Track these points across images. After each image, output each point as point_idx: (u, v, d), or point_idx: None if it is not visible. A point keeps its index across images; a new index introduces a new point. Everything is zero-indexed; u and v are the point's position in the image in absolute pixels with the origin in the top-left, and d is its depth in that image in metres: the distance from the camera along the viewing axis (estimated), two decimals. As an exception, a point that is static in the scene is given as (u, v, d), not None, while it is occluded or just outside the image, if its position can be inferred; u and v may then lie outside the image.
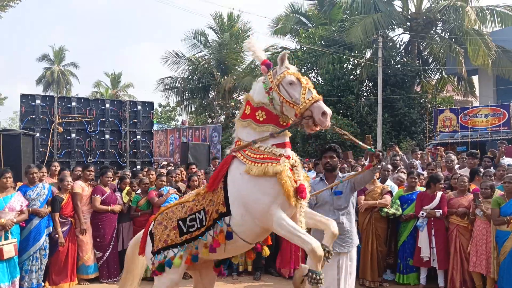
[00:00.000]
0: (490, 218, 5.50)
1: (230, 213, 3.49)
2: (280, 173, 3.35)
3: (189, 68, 23.88)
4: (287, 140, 3.66)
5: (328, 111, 3.35)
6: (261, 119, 3.56)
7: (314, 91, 3.44)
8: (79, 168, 7.11)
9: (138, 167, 10.66)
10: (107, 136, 11.02)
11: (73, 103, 10.96)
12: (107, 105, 11.26)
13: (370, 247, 6.29)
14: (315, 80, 20.52)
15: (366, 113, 18.17)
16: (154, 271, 3.83)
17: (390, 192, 6.40)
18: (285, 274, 6.71)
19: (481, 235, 5.66)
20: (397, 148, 10.21)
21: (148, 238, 3.96)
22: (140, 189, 7.12)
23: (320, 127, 3.39)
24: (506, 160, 8.13)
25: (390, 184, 6.66)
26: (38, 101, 10.66)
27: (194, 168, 8.76)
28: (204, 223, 3.61)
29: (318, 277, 3.25)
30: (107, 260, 6.67)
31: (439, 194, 6.16)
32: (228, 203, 3.49)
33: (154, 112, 12.73)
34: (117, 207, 6.82)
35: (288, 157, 3.52)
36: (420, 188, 6.55)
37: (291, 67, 3.58)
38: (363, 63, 19.09)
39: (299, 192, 3.42)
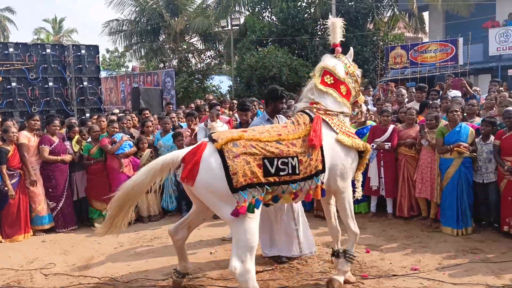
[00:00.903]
0: (435, 147, 5.80)
1: (324, 171, 3.81)
2: (368, 149, 4.08)
3: (136, 9, 22.53)
4: None
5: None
6: (344, 93, 4.12)
7: None
8: (10, 123, 6.57)
9: (87, 115, 10.23)
10: (50, 84, 10.36)
11: (11, 49, 10.10)
12: (48, 50, 10.47)
13: (324, 180, 6.54)
14: (269, 19, 20.03)
15: (320, 52, 18.11)
16: (238, 209, 3.40)
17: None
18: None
19: (426, 163, 5.98)
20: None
21: (220, 170, 3.43)
22: (90, 137, 6.88)
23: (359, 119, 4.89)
24: (452, 93, 8.47)
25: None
26: (-30, 49, 9.79)
27: (147, 114, 8.55)
28: (297, 172, 3.62)
29: (354, 256, 4.19)
30: (62, 210, 6.55)
31: (391, 127, 6.39)
32: (324, 162, 3.78)
33: (100, 57, 12.03)
34: (67, 157, 6.59)
35: None
36: (370, 123, 6.77)
37: None
38: (317, 1, 18.74)
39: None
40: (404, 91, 8.10)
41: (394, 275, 4.35)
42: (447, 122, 5.77)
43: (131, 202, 3.82)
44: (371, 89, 10.80)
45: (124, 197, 3.74)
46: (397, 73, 15.53)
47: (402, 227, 5.94)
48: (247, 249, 3.45)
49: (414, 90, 8.27)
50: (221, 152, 3.49)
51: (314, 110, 4.01)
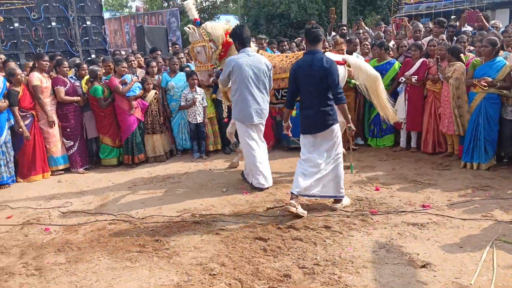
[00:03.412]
0: (448, 80, 5.69)
1: None
2: None
3: None
4: None
5: None
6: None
7: None
8: (13, 64, 6.54)
9: (93, 55, 10.06)
10: (53, 24, 10.11)
11: (9, -12, 9.79)
12: (48, -12, 10.12)
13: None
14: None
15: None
16: None
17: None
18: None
19: (448, 97, 5.82)
20: (362, 23, 9.99)
21: None
22: (91, 77, 6.69)
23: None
24: (467, 29, 8.11)
25: (356, 55, 6.64)
26: (-34, -10, 9.47)
27: (159, 53, 8.27)
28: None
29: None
30: (78, 149, 6.65)
31: (420, 61, 6.25)
32: None
33: (101, -5, 11.60)
34: (80, 99, 6.60)
35: None
36: (389, 58, 6.70)
37: None
38: None
39: None
40: (421, 26, 7.79)
41: (403, 211, 4.41)
42: (473, 55, 5.68)
43: None
44: (383, 25, 10.39)
45: None
46: (411, 9, 14.85)
47: (412, 166, 5.94)
48: None
49: (430, 25, 7.93)
50: None
51: None
